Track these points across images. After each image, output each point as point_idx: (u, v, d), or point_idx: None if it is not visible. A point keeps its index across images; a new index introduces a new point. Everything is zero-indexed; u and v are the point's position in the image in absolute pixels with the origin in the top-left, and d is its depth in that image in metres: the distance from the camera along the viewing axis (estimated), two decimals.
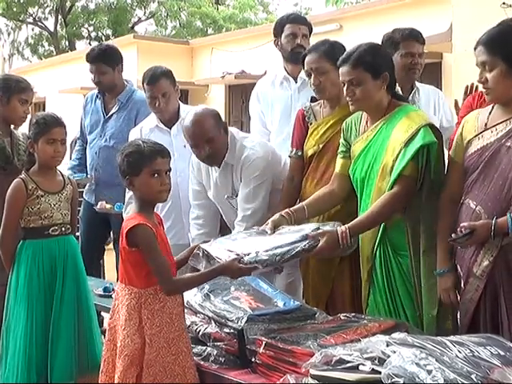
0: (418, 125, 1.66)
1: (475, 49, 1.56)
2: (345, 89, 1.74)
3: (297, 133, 2.09)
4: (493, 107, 1.62)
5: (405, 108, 1.77)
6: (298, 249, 1.56)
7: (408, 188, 1.66)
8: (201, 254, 1.63)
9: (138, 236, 1.52)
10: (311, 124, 2.04)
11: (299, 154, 2.05)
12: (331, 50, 1.93)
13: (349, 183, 1.84)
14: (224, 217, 2.24)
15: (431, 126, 1.69)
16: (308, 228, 1.67)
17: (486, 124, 1.60)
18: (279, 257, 1.54)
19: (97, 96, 2.89)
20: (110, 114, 2.83)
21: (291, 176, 2.08)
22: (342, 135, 1.88)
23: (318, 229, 1.65)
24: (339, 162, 1.88)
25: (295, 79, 2.52)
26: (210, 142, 2.03)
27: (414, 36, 2.19)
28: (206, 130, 2.03)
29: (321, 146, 1.99)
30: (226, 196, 2.15)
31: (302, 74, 2.55)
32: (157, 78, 2.42)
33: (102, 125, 2.82)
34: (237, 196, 2.11)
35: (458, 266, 1.61)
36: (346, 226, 1.67)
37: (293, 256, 1.57)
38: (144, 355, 1.52)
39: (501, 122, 1.55)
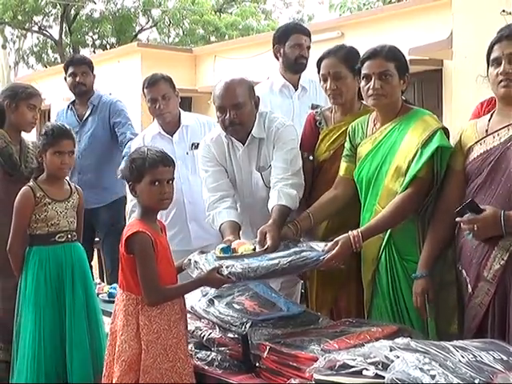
0: (435, 127, 1.68)
1: (497, 42, 1.56)
2: (369, 83, 1.71)
3: (308, 137, 2.05)
4: (491, 115, 1.64)
5: (419, 111, 1.78)
6: (277, 267, 1.53)
7: (421, 190, 1.66)
8: (192, 263, 1.64)
9: (135, 243, 1.54)
10: (322, 129, 2.03)
11: (311, 158, 2.03)
12: (349, 56, 1.89)
13: (352, 187, 1.85)
14: (244, 199, 2.08)
15: (444, 130, 1.71)
16: (302, 246, 1.67)
17: (486, 130, 1.61)
18: (253, 273, 1.52)
19: (68, 107, 3.08)
20: (84, 118, 3.00)
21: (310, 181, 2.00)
22: (347, 139, 1.89)
23: (311, 247, 1.65)
24: (343, 165, 1.89)
25: (295, 87, 2.53)
26: (238, 108, 1.92)
27: None
28: (236, 95, 1.92)
29: (332, 152, 1.98)
30: (256, 170, 2.02)
31: (302, 82, 2.56)
32: (156, 80, 2.46)
33: (79, 130, 2.94)
34: (269, 167, 2.00)
35: (464, 271, 1.60)
36: (359, 230, 1.67)
37: (269, 273, 1.53)
38: (141, 361, 1.52)
39: (502, 128, 1.57)
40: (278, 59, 2.54)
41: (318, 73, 1.98)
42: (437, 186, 1.67)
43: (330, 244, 1.63)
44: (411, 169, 1.66)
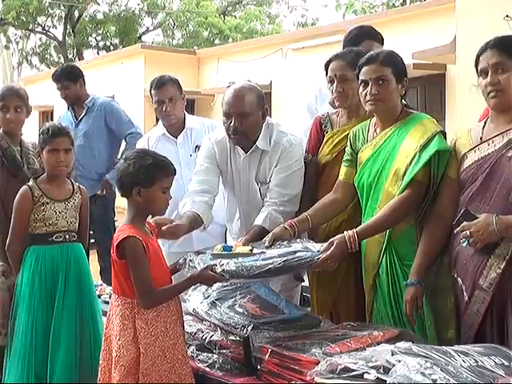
0: (434, 131, 1.69)
1: (482, 53, 1.58)
2: (366, 88, 1.72)
3: (313, 140, 2.07)
4: (485, 123, 1.64)
5: (418, 116, 1.79)
6: (271, 267, 1.52)
7: (418, 193, 1.67)
8: (187, 262, 1.64)
9: (126, 248, 1.53)
10: (327, 132, 2.04)
11: (314, 161, 2.03)
12: (356, 59, 1.86)
13: (352, 191, 1.85)
14: (241, 205, 2.08)
15: (443, 133, 1.72)
16: (297, 246, 1.67)
17: (481, 138, 1.61)
18: (246, 271, 1.52)
19: (68, 109, 3.37)
20: (79, 118, 3.28)
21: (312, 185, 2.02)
22: (348, 144, 1.90)
23: (307, 247, 1.65)
24: (343, 169, 1.90)
25: None
26: (243, 117, 1.92)
27: None
28: (243, 104, 1.92)
29: (334, 155, 1.99)
30: (255, 181, 2.01)
31: None
32: (164, 82, 2.47)
33: (74, 129, 3.18)
34: (268, 183, 1.99)
35: (460, 279, 1.59)
36: (354, 230, 1.67)
37: (262, 273, 1.53)
38: (140, 365, 1.52)
39: (497, 135, 1.57)
40: None
41: (326, 75, 1.99)
42: (433, 189, 1.67)
43: (325, 244, 1.63)
44: (409, 171, 1.67)
